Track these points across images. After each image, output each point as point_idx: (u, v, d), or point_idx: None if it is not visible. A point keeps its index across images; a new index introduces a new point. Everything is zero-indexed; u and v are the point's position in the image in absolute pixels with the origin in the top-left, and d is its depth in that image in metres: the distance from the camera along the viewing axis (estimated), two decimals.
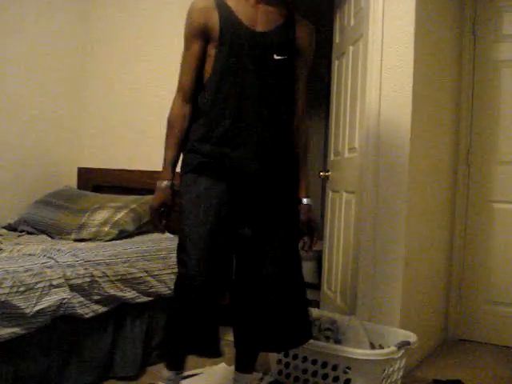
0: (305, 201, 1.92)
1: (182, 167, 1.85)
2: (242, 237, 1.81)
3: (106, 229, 2.71)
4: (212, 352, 1.84)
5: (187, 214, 1.75)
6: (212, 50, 1.77)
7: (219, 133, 1.76)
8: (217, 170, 1.77)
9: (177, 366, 1.89)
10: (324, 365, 2.12)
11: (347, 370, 2.06)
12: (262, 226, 1.81)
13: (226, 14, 1.76)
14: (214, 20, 1.75)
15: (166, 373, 1.88)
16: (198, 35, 1.78)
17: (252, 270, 1.82)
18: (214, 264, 1.73)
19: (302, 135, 1.92)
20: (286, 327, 1.82)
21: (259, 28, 1.77)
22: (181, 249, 1.77)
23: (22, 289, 1.90)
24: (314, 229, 1.93)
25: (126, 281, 2.33)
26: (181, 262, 1.76)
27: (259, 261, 1.80)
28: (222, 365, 2.51)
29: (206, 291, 1.72)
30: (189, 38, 1.80)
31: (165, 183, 1.81)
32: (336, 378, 2.09)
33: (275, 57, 1.77)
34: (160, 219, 1.83)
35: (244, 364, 1.99)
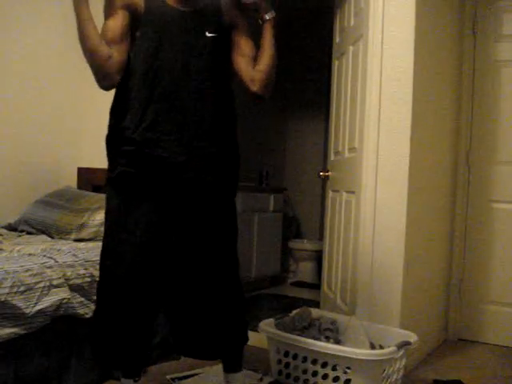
0: None
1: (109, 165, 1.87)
2: (171, 247, 1.75)
3: None
4: (133, 371, 1.85)
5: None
6: (136, 33, 1.69)
7: (143, 124, 1.69)
8: (140, 182, 1.71)
9: (130, 374, 1.87)
10: (324, 365, 2.12)
11: (347, 370, 2.06)
12: (188, 232, 1.75)
13: None
14: (140, 1, 1.69)
15: (123, 380, 1.88)
16: (122, 6, 1.67)
17: (180, 279, 1.77)
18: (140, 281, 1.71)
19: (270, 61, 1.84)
20: (217, 336, 1.78)
21: (182, 6, 1.70)
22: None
23: (21, 289, 1.90)
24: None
25: None
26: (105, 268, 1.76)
27: (188, 270, 1.75)
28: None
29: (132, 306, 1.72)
30: (111, 7, 1.68)
31: None
32: (336, 378, 2.09)
33: (207, 34, 1.71)
34: None
35: (229, 364, 1.94)
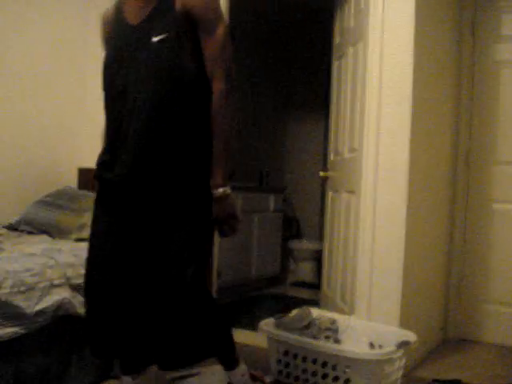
0: (219, 191, 1.65)
1: None
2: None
3: None
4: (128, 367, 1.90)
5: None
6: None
7: (105, 146, 1.79)
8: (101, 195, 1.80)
9: (129, 371, 1.90)
10: (324, 364, 2.12)
11: (347, 370, 2.07)
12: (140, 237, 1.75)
13: (118, 18, 1.73)
14: (108, 29, 1.77)
15: (123, 377, 1.90)
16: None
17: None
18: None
19: (217, 118, 1.65)
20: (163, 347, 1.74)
21: (135, 21, 1.68)
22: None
23: (22, 289, 1.90)
24: (232, 225, 1.70)
25: None
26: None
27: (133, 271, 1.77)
28: None
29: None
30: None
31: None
32: (336, 378, 2.10)
33: (153, 39, 1.61)
34: None
35: (224, 362, 2.00)
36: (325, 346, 2.13)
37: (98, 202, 1.81)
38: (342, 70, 3.09)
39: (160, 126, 1.63)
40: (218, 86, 1.64)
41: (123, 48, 1.67)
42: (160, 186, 1.67)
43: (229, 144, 1.67)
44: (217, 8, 1.67)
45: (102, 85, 1.75)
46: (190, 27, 1.63)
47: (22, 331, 1.89)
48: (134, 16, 1.68)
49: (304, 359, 2.18)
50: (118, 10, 1.73)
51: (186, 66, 1.63)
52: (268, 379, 2.22)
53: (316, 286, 4.41)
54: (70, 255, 2.23)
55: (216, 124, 1.65)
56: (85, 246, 2.47)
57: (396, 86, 2.50)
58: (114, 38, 1.71)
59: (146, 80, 1.62)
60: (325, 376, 2.12)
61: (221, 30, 1.64)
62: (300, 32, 5.29)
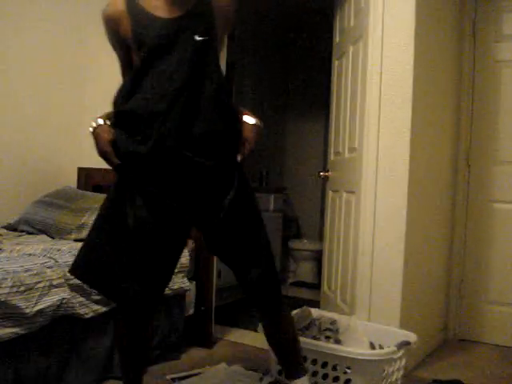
0: (248, 120, 1.74)
1: None
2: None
3: None
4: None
5: None
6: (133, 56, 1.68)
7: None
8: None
9: (128, 378, 1.85)
10: (324, 365, 2.11)
11: (347, 370, 2.06)
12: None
13: (136, 12, 1.65)
14: (126, 24, 1.65)
15: None
16: (117, 44, 1.72)
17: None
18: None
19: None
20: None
21: (168, 15, 1.64)
22: None
23: (22, 289, 1.90)
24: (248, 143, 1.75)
25: None
26: None
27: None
28: (222, 365, 2.52)
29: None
30: (113, 47, 1.75)
31: None
32: (336, 378, 2.09)
33: (196, 38, 1.62)
34: None
35: (289, 369, 1.89)
36: (325, 346, 2.12)
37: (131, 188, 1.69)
38: (343, 70, 3.09)
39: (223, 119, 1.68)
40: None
41: (161, 39, 1.62)
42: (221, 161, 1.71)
43: None
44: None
45: (136, 73, 1.66)
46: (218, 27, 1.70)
47: (22, 331, 1.89)
48: (163, 10, 1.63)
49: (304, 359, 2.18)
50: (132, 3, 1.65)
51: (218, 67, 1.72)
52: None
53: (316, 286, 4.41)
54: (70, 255, 2.22)
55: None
56: None
57: (396, 86, 2.50)
58: (141, 32, 1.63)
59: (205, 76, 1.64)
60: (325, 376, 2.11)
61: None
62: (300, 31, 5.29)
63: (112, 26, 1.69)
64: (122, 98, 1.69)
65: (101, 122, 1.69)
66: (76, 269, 1.74)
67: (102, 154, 1.68)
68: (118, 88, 1.72)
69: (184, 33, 1.63)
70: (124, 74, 1.78)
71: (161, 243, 1.70)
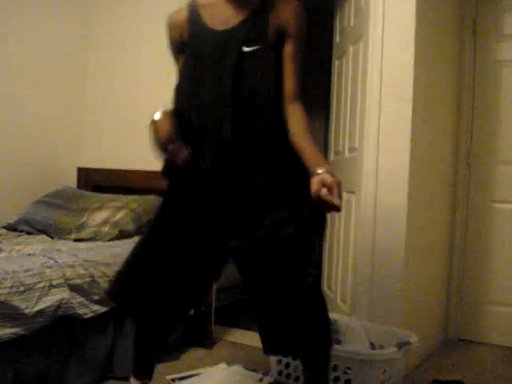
0: (319, 170, 1.53)
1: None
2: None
3: (106, 229, 2.70)
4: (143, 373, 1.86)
5: None
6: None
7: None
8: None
9: (140, 375, 1.86)
10: None
11: (347, 370, 2.06)
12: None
13: (195, 22, 1.70)
14: (184, 33, 1.70)
15: (132, 380, 1.86)
16: (176, 52, 1.75)
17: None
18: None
19: (294, 117, 1.66)
20: (296, 331, 1.64)
21: (222, 26, 1.66)
22: None
23: (21, 289, 1.90)
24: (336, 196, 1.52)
25: None
26: None
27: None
28: (222, 365, 2.52)
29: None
30: (172, 54, 1.77)
31: None
32: (336, 378, 2.09)
33: (244, 49, 1.62)
34: None
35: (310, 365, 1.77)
36: None
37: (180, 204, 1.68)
38: (343, 70, 3.09)
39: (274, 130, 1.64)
40: (297, 103, 1.67)
41: (208, 52, 1.64)
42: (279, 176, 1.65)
43: None
44: (305, 29, 1.72)
45: (182, 79, 1.69)
46: (277, 42, 1.66)
47: (21, 332, 1.89)
48: (219, 19, 1.66)
49: None
50: (194, 14, 1.70)
51: (271, 78, 1.66)
52: None
53: None
54: (70, 255, 2.22)
55: (297, 123, 1.66)
56: (84, 245, 2.48)
57: (396, 86, 2.50)
58: (195, 42, 1.68)
59: (251, 86, 1.62)
60: None
61: (302, 50, 1.71)
62: None
63: (173, 34, 1.74)
64: (177, 100, 1.71)
65: (161, 113, 1.64)
66: (114, 292, 1.76)
67: (161, 141, 1.60)
68: (174, 90, 1.72)
69: (233, 43, 1.63)
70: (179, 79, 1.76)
71: (196, 259, 1.69)
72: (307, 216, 1.63)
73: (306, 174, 1.58)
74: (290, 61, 1.68)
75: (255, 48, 1.63)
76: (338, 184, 1.51)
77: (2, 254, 2.22)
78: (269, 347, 1.70)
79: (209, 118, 1.62)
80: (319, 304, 1.67)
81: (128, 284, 1.72)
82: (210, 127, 1.62)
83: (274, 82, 1.65)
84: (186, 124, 1.65)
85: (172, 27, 1.74)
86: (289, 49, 1.67)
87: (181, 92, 1.70)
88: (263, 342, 1.70)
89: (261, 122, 1.63)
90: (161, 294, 1.70)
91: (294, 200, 1.64)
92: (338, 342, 2.28)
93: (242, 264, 1.69)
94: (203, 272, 1.74)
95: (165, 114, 1.63)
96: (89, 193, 3.20)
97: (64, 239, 2.71)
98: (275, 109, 1.65)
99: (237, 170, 1.61)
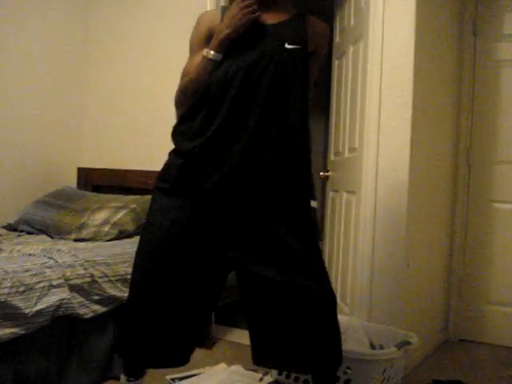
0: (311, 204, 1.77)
1: None
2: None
3: (106, 229, 2.70)
4: (175, 361, 1.77)
5: None
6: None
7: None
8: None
9: (130, 373, 1.82)
10: None
11: (347, 370, 2.06)
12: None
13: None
14: (216, 26, 1.71)
15: (122, 378, 1.84)
16: (203, 42, 1.73)
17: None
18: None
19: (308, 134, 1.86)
20: (306, 347, 1.65)
21: (268, 21, 1.71)
22: None
23: (21, 289, 1.90)
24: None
25: (126, 281, 2.32)
26: None
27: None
28: (222, 365, 2.52)
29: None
30: (195, 45, 1.76)
31: None
32: (336, 378, 2.09)
33: (287, 46, 1.67)
34: None
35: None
36: None
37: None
38: (343, 69, 3.08)
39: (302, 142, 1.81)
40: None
41: (251, 46, 1.67)
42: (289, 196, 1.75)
43: None
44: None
45: (218, 73, 1.67)
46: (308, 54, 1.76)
47: (21, 332, 1.89)
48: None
49: None
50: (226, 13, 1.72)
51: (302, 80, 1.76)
52: None
53: None
54: (69, 255, 2.22)
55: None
56: (84, 245, 2.47)
57: (396, 86, 2.50)
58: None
59: (293, 83, 1.71)
60: None
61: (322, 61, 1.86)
62: None
63: (204, 25, 1.74)
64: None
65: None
66: (122, 346, 1.75)
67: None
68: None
69: (277, 36, 1.69)
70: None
71: (199, 275, 1.73)
72: (304, 227, 1.72)
73: (309, 194, 1.81)
74: (311, 75, 1.83)
75: (296, 47, 1.69)
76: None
77: (3, 254, 2.22)
78: (261, 358, 1.71)
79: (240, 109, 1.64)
80: (331, 320, 1.66)
81: (136, 336, 1.70)
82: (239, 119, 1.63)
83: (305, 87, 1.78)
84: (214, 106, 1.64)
85: (204, 18, 1.76)
86: (312, 67, 1.81)
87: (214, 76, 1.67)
88: (255, 351, 1.71)
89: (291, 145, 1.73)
90: (170, 330, 1.69)
91: (293, 215, 1.71)
92: None
93: (242, 276, 1.74)
94: (207, 290, 1.78)
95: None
96: (89, 193, 3.20)
97: (64, 239, 2.71)
98: (306, 117, 1.83)
99: (246, 183, 1.66)
